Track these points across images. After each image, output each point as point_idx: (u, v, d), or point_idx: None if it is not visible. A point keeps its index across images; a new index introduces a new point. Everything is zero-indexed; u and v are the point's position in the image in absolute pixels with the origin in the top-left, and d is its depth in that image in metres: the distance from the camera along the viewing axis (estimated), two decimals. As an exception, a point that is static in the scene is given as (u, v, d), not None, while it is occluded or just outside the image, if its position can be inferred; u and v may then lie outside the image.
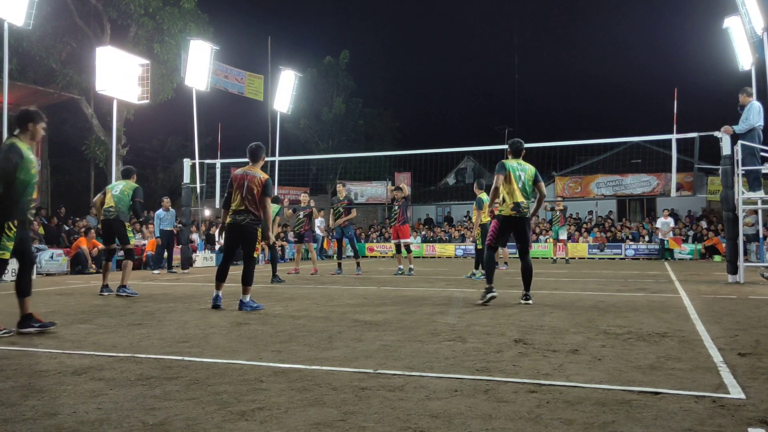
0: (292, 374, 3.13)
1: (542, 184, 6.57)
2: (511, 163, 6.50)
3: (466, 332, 4.42)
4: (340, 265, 12.44)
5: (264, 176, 6.10)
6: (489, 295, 6.26)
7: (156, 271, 13.55)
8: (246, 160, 6.34)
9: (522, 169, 6.47)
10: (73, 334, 4.48)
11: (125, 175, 8.29)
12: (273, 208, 8.18)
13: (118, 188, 7.95)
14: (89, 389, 2.84)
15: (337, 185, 12.74)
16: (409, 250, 11.98)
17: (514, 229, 6.46)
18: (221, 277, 6.18)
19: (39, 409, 2.52)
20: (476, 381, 2.96)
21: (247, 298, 6.03)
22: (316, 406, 2.55)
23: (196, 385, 2.91)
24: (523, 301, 6.38)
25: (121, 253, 14.97)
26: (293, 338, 4.23)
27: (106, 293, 7.74)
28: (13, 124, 5.15)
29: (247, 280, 6.05)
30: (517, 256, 7.05)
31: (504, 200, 6.39)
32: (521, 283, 6.54)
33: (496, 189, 6.40)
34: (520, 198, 6.34)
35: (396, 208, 11.90)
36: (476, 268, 10.68)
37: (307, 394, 2.72)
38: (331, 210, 12.47)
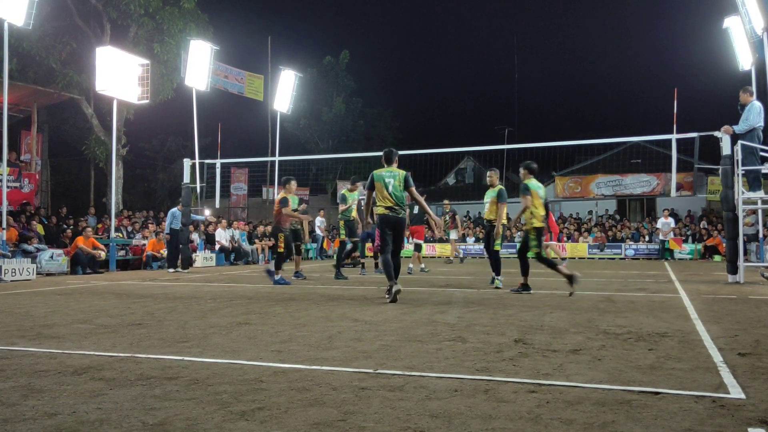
0: (292, 374, 3.13)
1: (414, 189, 7.03)
2: (381, 172, 7.04)
3: (466, 332, 4.42)
4: (363, 264, 12.70)
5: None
6: (394, 290, 6.66)
7: (171, 270, 13.58)
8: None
9: (391, 176, 6.98)
10: (73, 334, 4.48)
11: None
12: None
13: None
14: (89, 389, 2.84)
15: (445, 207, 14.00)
16: (419, 249, 13.02)
17: (392, 228, 6.95)
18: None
19: (39, 409, 2.52)
20: (476, 381, 2.96)
21: (278, 276, 9.24)
22: (316, 406, 2.55)
23: (196, 385, 2.91)
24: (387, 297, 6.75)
25: (122, 253, 15.01)
26: (293, 338, 4.23)
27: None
28: None
29: (278, 265, 9.39)
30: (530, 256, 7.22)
31: (378, 205, 7.06)
32: (513, 284, 6.84)
33: (368, 202, 7.21)
34: (390, 203, 6.92)
35: (416, 211, 12.49)
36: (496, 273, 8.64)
37: (307, 394, 2.72)
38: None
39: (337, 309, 5.98)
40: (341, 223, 11.04)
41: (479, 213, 27.15)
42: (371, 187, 7.08)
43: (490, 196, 8.67)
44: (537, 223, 7.39)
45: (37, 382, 3.00)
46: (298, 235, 10.35)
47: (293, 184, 9.97)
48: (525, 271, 7.66)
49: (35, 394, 2.75)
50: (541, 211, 7.46)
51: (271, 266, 9.62)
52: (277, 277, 9.21)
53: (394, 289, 6.63)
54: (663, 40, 66.63)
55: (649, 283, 9.24)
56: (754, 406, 2.50)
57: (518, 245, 7.79)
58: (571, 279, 7.08)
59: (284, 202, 9.55)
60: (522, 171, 7.79)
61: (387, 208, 6.96)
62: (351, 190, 11.30)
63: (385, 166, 7.17)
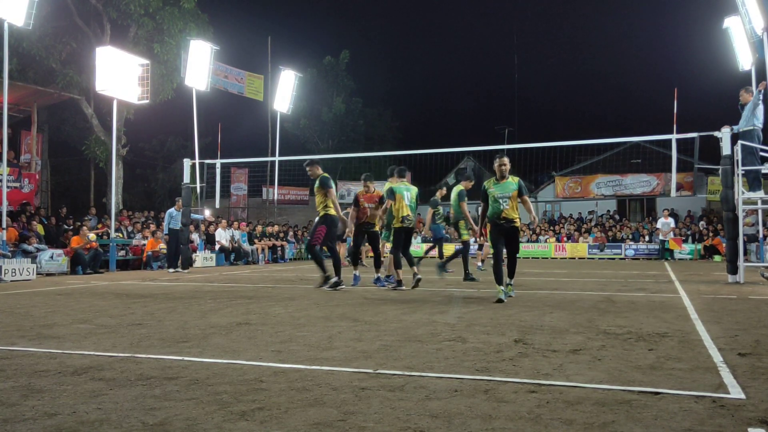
0: (292, 374, 3.13)
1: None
2: (328, 178, 8.28)
3: (466, 332, 4.42)
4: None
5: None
6: (333, 281, 8.14)
7: (171, 270, 13.58)
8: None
9: (332, 183, 8.38)
10: (73, 334, 4.48)
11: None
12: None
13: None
14: (89, 389, 2.84)
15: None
16: (480, 248, 13.45)
17: (336, 226, 8.52)
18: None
19: (39, 409, 2.52)
20: (476, 381, 2.96)
21: (375, 276, 8.96)
22: (316, 406, 2.55)
23: (196, 385, 2.91)
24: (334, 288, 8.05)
25: (122, 253, 14.97)
26: (293, 338, 4.23)
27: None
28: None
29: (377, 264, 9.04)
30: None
31: (327, 207, 8.25)
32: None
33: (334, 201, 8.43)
34: (336, 205, 8.38)
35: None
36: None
37: (307, 394, 2.72)
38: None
39: (337, 309, 5.98)
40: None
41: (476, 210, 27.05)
42: (330, 185, 8.26)
43: (510, 189, 6.66)
44: (396, 224, 8.32)
45: (37, 382, 3.00)
46: (375, 237, 8.99)
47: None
48: (407, 263, 8.40)
49: (35, 394, 2.75)
50: (404, 212, 8.26)
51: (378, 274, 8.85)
52: (376, 276, 8.88)
53: (333, 281, 8.14)
54: (663, 40, 66.61)
55: (649, 283, 9.24)
56: (754, 406, 2.50)
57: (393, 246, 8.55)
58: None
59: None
60: (395, 175, 8.83)
61: (335, 210, 8.27)
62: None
63: (321, 172, 8.33)
